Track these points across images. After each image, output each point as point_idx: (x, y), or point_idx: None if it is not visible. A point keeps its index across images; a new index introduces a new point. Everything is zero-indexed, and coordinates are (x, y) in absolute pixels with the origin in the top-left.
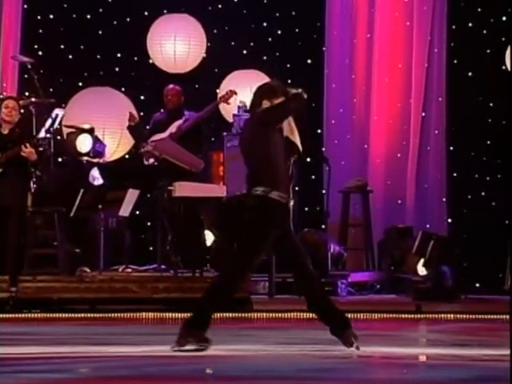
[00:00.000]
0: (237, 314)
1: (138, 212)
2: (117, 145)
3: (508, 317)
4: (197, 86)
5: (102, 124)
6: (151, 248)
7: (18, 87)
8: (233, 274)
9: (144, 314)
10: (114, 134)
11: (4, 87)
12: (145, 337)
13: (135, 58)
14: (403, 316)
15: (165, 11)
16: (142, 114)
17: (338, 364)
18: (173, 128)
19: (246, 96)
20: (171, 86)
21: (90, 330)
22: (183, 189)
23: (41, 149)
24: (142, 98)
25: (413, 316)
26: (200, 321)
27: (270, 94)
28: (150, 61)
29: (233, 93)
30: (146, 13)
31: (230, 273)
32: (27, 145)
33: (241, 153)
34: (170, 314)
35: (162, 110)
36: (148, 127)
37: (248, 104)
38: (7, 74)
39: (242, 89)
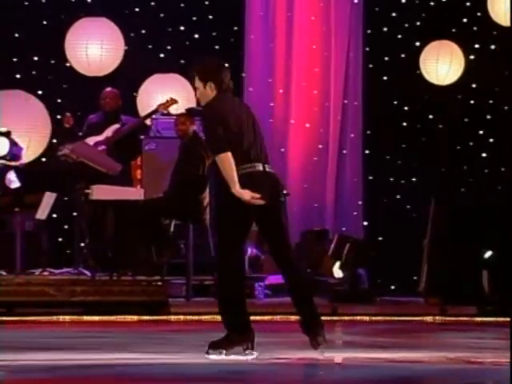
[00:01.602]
0: (154, 317)
1: (54, 215)
2: (26, 148)
3: (422, 318)
4: (116, 89)
5: (10, 127)
6: (68, 251)
7: None
8: None
9: (61, 317)
10: (22, 137)
11: None
12: (62, 340)
13: (52, 62)
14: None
15: (81, 14)
16: (58, 116)
17: (251, 366)
18: (109, 132)
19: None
20: (109, 88)
21: (7, 334)
22: (100, 192)
23: None
24: (59, 101)
25: (329, 318)
26: (232, 327)
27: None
28: (67, 64)
29: (174, 101)
30: (63, 16)
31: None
32: None
33: (253, 132)
34: (88, 317)
35: (96, 113)
36: (82, 129)
37: None
38: None
39: (161, 92)
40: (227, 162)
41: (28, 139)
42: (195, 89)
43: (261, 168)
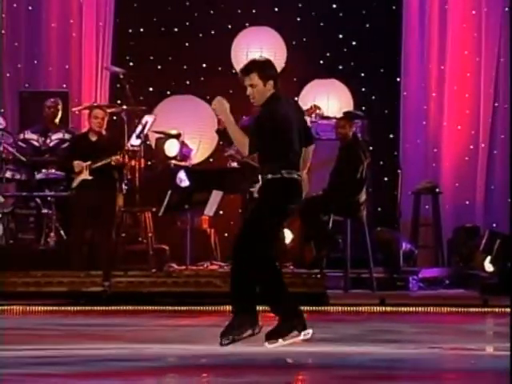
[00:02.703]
0: (313, 308)
1: (221, 212)
2: (196, 149)
3: None
4: None
5: (183, 129)
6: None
7: (110, 96)
8: None
9: (227, 307)
10: (193, 139)
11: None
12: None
13: (219, 68)
14: (471, 310)
15: (247, 24)
16: None
17: (409, 355)
18: None
19: (323, 102)
20: None
21: (176, 323)
22: None
23: (131, 153)
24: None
25: (480, 310)
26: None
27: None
28: (233, 70)
29: (317, 107)
30: (230, 26)
31: None
32: (119, 155)
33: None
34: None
35: (248, 117)
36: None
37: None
38: (101, 83)
39: (319, 97)
40: (241, 147)
41: (198, 141)
42: (251, 85)
43: (299, 176)
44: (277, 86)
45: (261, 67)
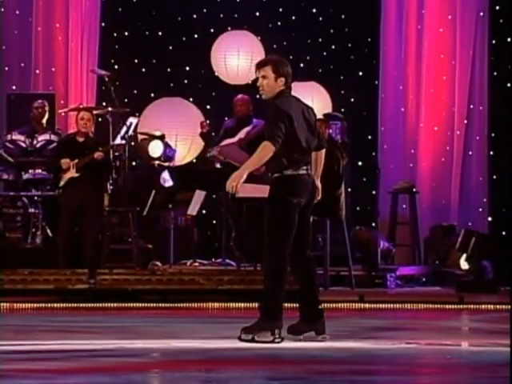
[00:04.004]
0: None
1: (204, 211)
2: (187, 150)
3: None
4: (257, 96)
5: (174, 131)
6: (216, 244)
7: (96, 98)
8: None
9: (210, 303)
10: (185, 140)
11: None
12: (211, 325)
13: (202, 71)
14: (447, 307)
15: (229, 28)
16: (208, 121)
17: (386, 350)
18: (241, 134)
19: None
20: (240, 95)
21: (160, 320)
22: (245, 190)
23: (116, 154)
24: (208, 107)
25: (456, 306)
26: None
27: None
28: (215, 73)
29: None
30: (212, 30)
31: None
32: (100, 152)
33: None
34: (234, 304)
35: (231, 119)
36: (219, 134)
37: None
38: (87, 85)
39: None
40: (267, 152)
41: (190, 142)
42: (263, 77)
43: (308, 172)
44: (287, 85)
45: (276, 63)
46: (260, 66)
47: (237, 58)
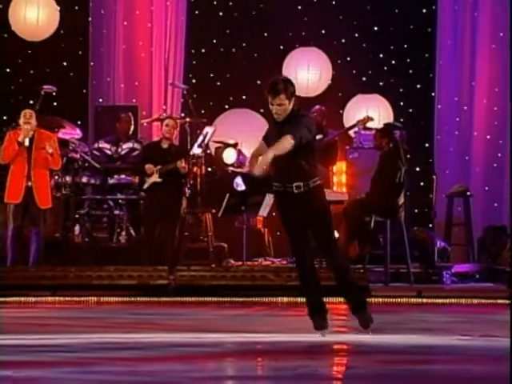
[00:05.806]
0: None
1: (274, 213)
2: None
3: None
4: (324, 107)
5: (240, 139)
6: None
7: (176, 109)
8: None
9: (279, 298)
10: (251, 148)
11: (165, 109)
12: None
13: None
14: (499, 301)
15: (297, 45)
16: None
17: (442, 342)
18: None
19: (375, 115)
20: (317, 106)
21: (233, 313)
22: None
23: (194, 161)
24: None
25: (507, 301)
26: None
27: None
28: None
29: (369, 118)
30: (281, 47)
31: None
32: (182, 160)
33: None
34: (301, 299)
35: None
36: None
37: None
38: (172, 98)
39: (359, 110)
40: (287, 144)
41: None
42: (279, 105)
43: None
44: (296, 102)
45: (286, 89)
46: (273, 95)
47: (307, 72)
